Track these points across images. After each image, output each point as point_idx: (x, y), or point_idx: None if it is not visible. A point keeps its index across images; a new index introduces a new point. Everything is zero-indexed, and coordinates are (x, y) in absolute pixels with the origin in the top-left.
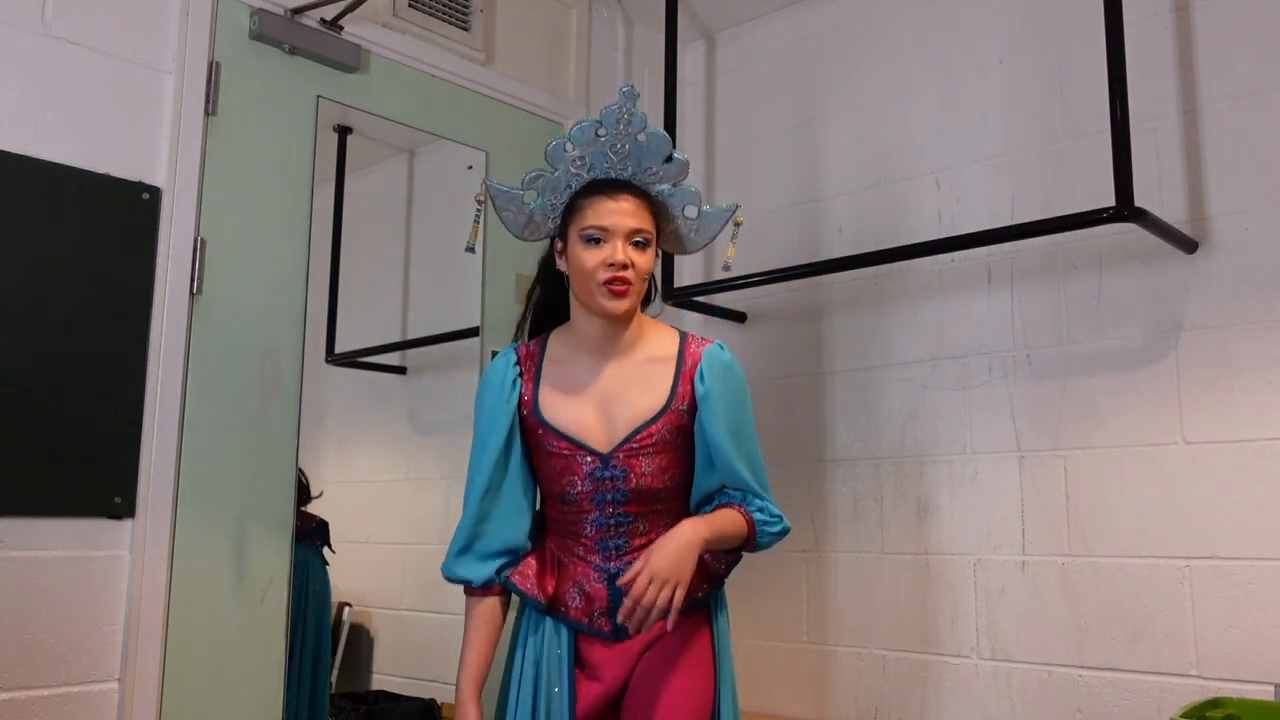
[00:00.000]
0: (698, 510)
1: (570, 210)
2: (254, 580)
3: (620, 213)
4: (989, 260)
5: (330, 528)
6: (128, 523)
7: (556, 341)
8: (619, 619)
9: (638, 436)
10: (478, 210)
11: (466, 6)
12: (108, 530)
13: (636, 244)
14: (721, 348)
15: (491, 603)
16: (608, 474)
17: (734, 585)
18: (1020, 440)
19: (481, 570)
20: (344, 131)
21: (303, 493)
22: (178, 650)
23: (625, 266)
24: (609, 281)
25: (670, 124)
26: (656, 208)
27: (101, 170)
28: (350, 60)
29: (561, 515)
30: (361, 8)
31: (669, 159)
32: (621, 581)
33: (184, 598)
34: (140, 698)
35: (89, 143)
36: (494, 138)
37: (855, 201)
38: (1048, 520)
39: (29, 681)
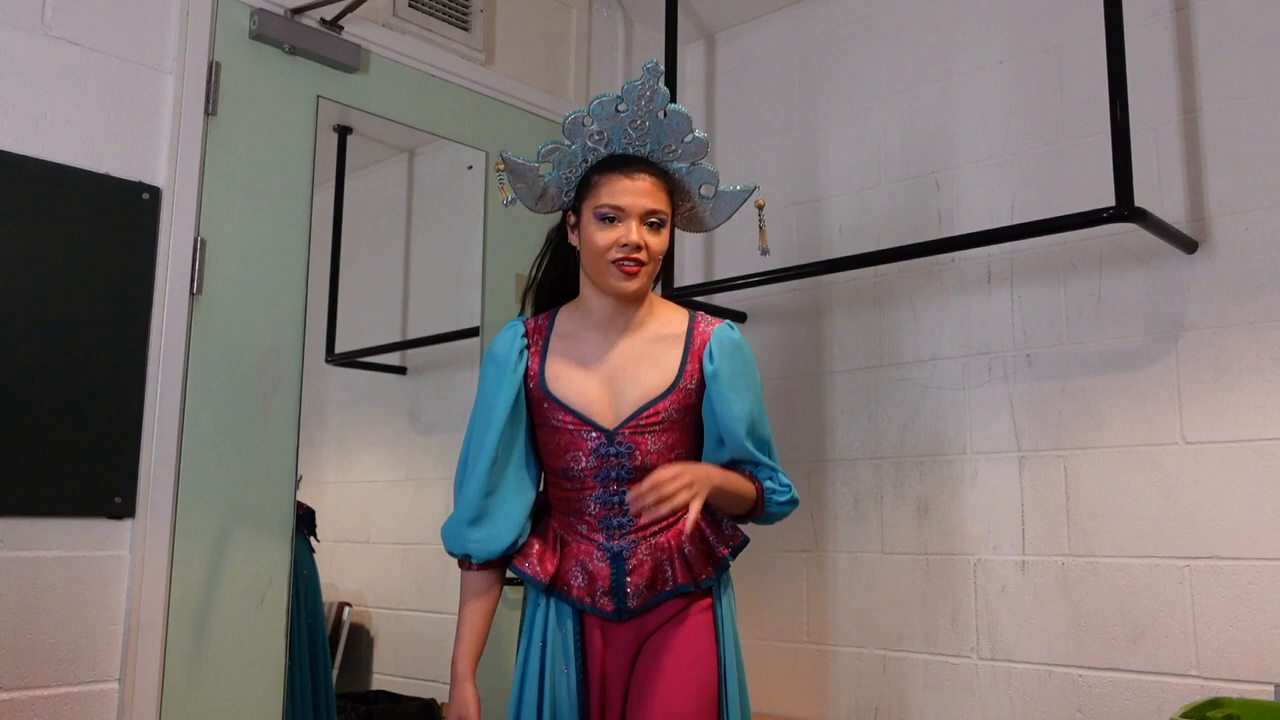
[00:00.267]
0: None
1: (585, 185)
2: (254, 580)
3: (636, 192)
4: (989, 260)
5: (316, 515)
6: (128, 523)
7: (565, 316)
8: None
9: (644, 413)
10: (501, 176)
11: (466, 6)
12: (108, 530)
13: (651, 224)
14: (731, 327)
15: (488, 577)
16: (613, 450)
17: (734, 584)
18: (1020, 440)
19: (489, 547)
20: (344, 131)
21: None
22: (178, 650)
23: (639, 248)
24: (621, 261)
25: None
26: (673, 186)
27: (101, 170)
28: (350, 60)
29: (565, 493)
30: (361, 8)
31: (689, 137)
32: (639, 488)
33: (184, 598)
34: (140, 698)
35: (89, 143)
36: (494, 138)
37: (855, 201)
38: (1048, 520)
39: (29, 681)
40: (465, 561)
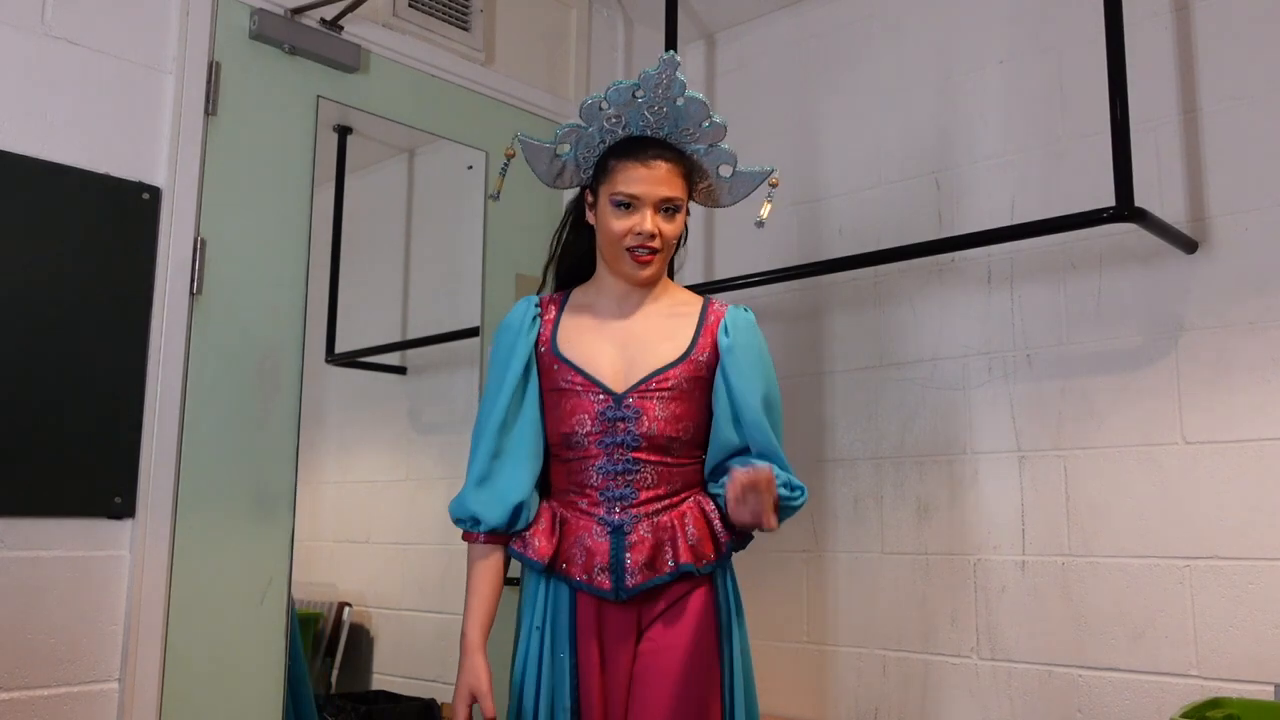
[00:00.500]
0: (715, 474)
1: (603, 168)
2: (254, 580)
3: (652, 180)
4: (989, 260)
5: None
6: (128, 523)
7: (579, 292)
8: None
9: (654, 379)
10: (505, 163)
11: (466, 6)
12: (108, 530)
13: (666, 211)
14: (746, 310)
15: (494, 550)
16: (620, 414)
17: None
18: (1020, 440)
19: (494, 510)
20: (344, 131)
21: None
22: (178, 650)
23: (653, 236)
24: (636, 250)
25: None
26: (691, 167)
27: (101, 170)
28: (350, 60)
29: (567, 466)
30: (361, 8)
31: (706, 123)
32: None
33: (184, 597)
34: (140, 698)
35: (89, 143)
36: (494, 138)
37: (855, 201)
38: (1048, 520)
39: (29, 681)
40: (471, 533)
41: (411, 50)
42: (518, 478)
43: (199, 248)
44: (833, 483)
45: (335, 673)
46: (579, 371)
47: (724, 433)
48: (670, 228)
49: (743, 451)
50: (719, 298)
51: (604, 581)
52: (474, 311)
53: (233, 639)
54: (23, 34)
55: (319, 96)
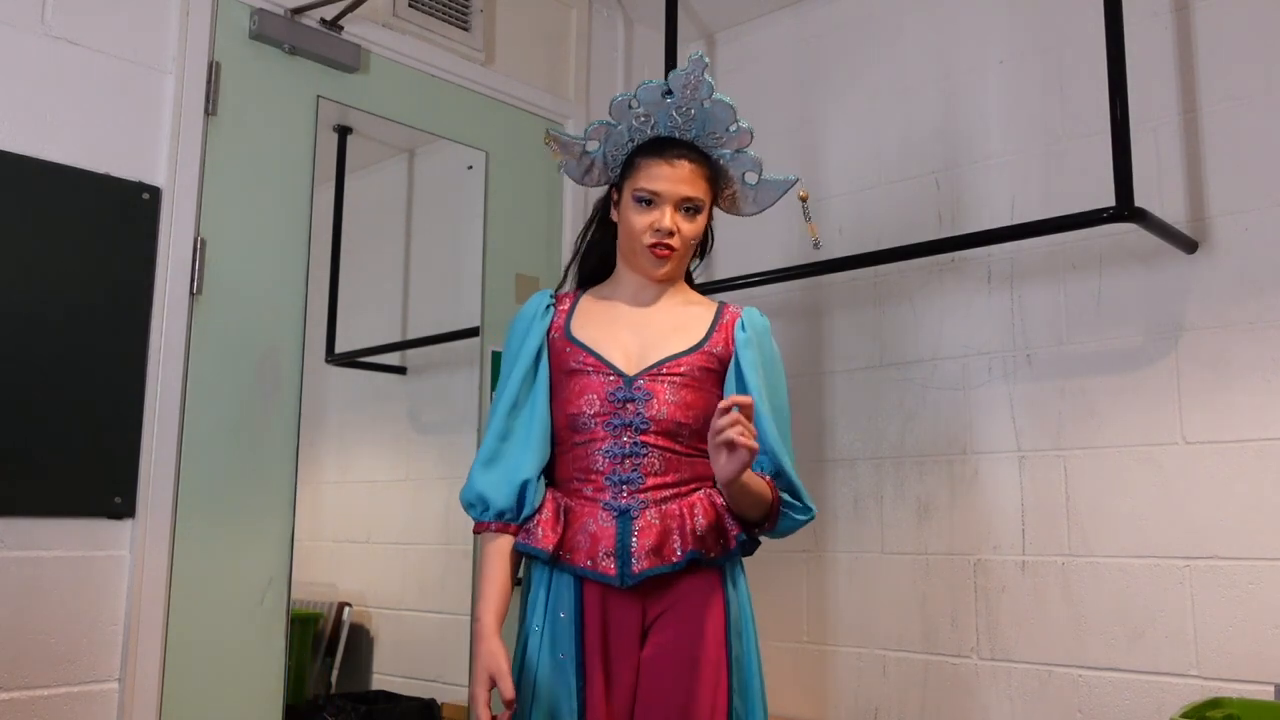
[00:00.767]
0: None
1: (629, 165)
2: (254, 580)
3: (674, 179)
4: (989, 260)
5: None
6: (128, 523)
7: (596, 288)
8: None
9: (666, 364)
10: (551, 147)
11: (466, 6)
12: (108, 530)
13: (687, 210)
14: (763, 315)
15: (506, 540)
16: (629, 395)
17: None
18: (1020, 440)
19: (500, 490)
20: (344, 131)
21: None
22: (178, 650)
23: (671, 234)
24: (654, 246)
25: None
26: (715, 172)
27: (101, 170)
28: (350, 60)
29: (573, 453)
30: (361, 8)
31: (733, 126)
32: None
33: (184, 598)
34: (140, 698)
35: (89, 143)
36: (494, 138)
37: (855, 201)
38: (1048, 520)
39: (29, 681)
40: (481, 522)
41: (411, 50)
42: (524, 458)
43: (199, 248)
44: (833, 483)
45: (335, 673)
46: (590, 352)
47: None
48: (689, 227)
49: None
50: (720, 297)
51: (609, 567)
52: (474, 311)
53: (233, 639)
54: (23, 34)
55: (319, 96)
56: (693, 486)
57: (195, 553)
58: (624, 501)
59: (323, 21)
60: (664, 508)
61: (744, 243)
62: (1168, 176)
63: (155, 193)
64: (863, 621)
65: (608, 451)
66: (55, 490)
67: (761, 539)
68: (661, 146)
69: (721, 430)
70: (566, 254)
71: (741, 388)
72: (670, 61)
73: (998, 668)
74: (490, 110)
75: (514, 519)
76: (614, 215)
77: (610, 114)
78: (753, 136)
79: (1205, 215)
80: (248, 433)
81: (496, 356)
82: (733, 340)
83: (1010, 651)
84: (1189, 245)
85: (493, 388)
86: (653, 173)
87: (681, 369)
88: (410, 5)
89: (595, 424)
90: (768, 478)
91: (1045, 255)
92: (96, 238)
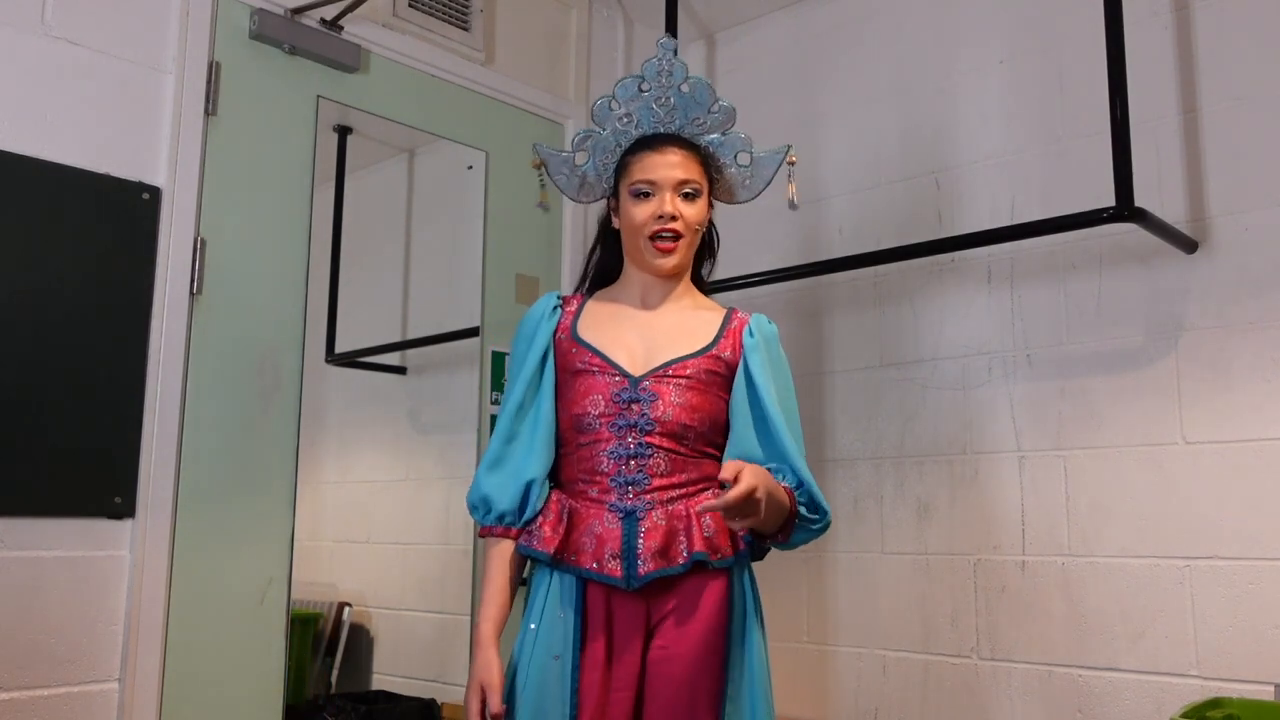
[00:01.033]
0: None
1: (620, 169)
2: (254, 580)
3: (667, 165)
4: (989, 260)
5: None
6: (128, 523)
7: (603, 291)
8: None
9: (672, 366)
10: (539, 173)
11: (466, 6)
12: (108, 530)
13: (685, 195)
14: (771, 321)
15: (508, 545)
16: (635, 396)
17: None
18: (1020, 440)
19: (505, 491)
20: (344, 131)
21: None
22: (178, 650)
23: (674, 218)
24: (657, 235)
25: None
26: (707, 158)
27: (101, 170)
28: (350, 60)
29: (577, 454)
30: (361, 8)
31: (715, 107)
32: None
33: (184, 597)
34: (140, 698)
35: (89, 143)
36: (494, 138)
37: (855, 201)
38: (1048, 520)
39: (29, 681)
40: (486, 527)
41: (411, 50)
42: (528, 461)
43: (199, 248)
44: (833, 483)
45: (335, 673)
46: (596, 353)
47: (743, 438)
48: (691, 210)
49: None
50: (718, 299)
51: (615, 569)
52: (474, 311)
53: (233, 639)
54: (23, 34)
55: (319, 96)
56: (699, 487)
57: (195, 553)
58: (630, 503)
59: (323, 21)
60: (670, 509)
61: (744, 243)
62: (1168, 176)
63: (155, 193)
64: (863, 621)
65: (613, 453)
66: (55, 490)
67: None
68: (650, 140)
69: (731, 517)
70: (566, 254)
71: (752, 392)
72: None
73: (998, 668)
74: (490, 110)
75: (515, 522)
76: (615, 224)
77: (593, 119)
78: (735, 115)
79: (1205, 215)
80: (248, 433)
81: (496, 356)
82: (740, 346)
83: (1010, 651)
84: (1189, 245)
85: (493, 388)
86: (645, 164)
87: (687, 371)
88: (410, 5)
89: (600, 425)
90: (788, 487)
91: (1045, 255)
92: (96, 238)
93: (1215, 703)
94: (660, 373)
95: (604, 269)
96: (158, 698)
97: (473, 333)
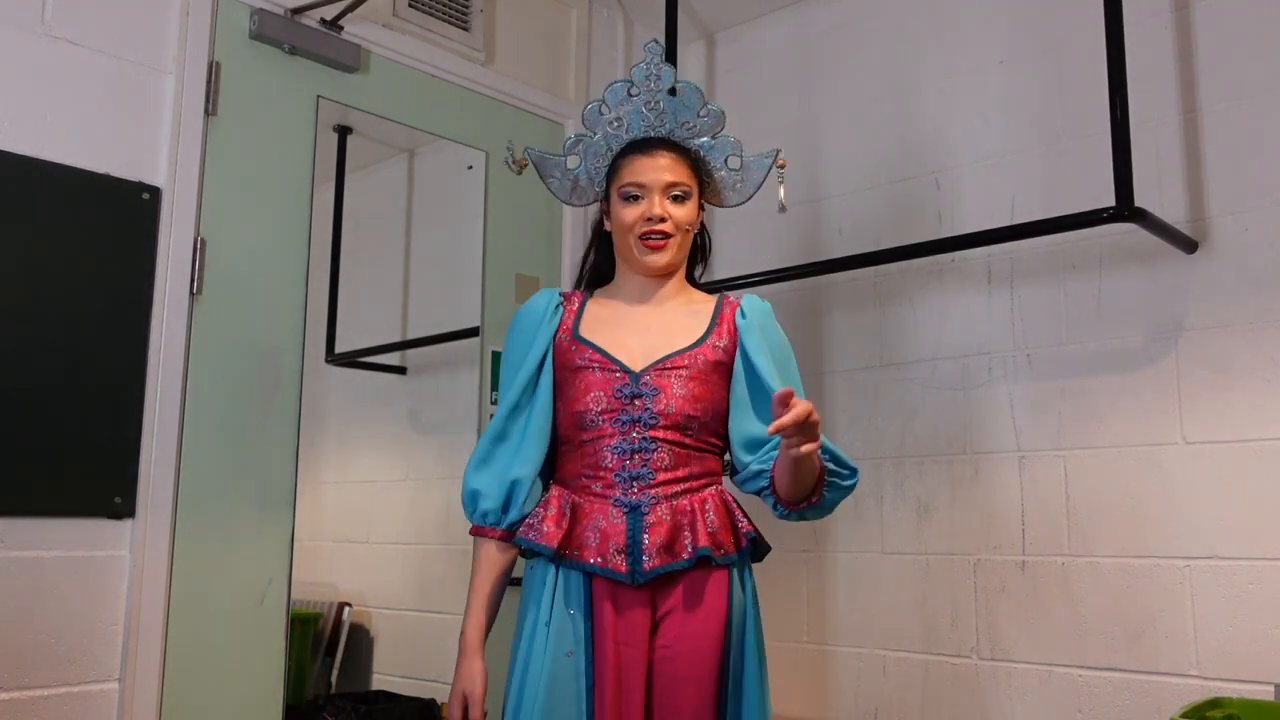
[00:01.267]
0: (746, 455)
1: (611, 172)
2: (254, 580)
3: (656, 168)
4: (989, 260)
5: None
6: (128, 523)
7: (601, 291)
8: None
9: (671, 359)
10: (509, 165)
11: (466, 6)
12: (108, 530)
13: (675, 198)
14: (762, 300)
15: (499, 546)
16: (637, 391)
17: None
18: (1020, 440)
19: (490, 486)
20: (344, 131)
21: None
22: (178, 650)
23: (662, 219)
24: (646, 236)
25: None
26: (697, 162)
27: (101, 170)
28: (350, 60)
29: (580, 450)
30: (361, 8)
31: (704, 111)
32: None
33: (184, 598)
34: (140, 698)
35: (89, 143)
36: (494, 138)
37: (855, 201)
38: (1048, 520)
39: (29, 681)
40: (477, 526)
41: (411, 50)
42: (516, 460)
43: (199, 248)
44: None
45: (335, 673)
46: (598, 350)
47: (746, 420)
48: (680, 212)
49: (766, 440)
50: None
51: (620, 564)
52: (474, 311)
53: (233, 639)
54: (23, 34)
55: (319, 96)
56: (704, 482)
57: (195, 552)
58: (634, 497)
59: (323, 21)
60: (675, 503)
61: (744, 243)
62: (1168, 176)
63: (155, 193)
64: (863, 621)
65: (616, 448)
66: (55, 490)
67: (770, 545)
68: (639, 145)
69: (792, 438)
70: (567, 254)
71: (751, 373)
72: (670, 61)
73: (998, 668)
74: (490, 110)
75: (499, 521)
76: (607, 227)
77: (584, 123)
78: (725, 118)
79: (1205, 215)
80: (248, 433)
81: (497, 356)
82: (735, 329)
83: (1010, 651)
84: (1189, 245)
85: (493, 388)
86: (634, 167)
87: (685, 363)
88: (410, 5)
89: (603, 420)
90: None
91: (1045, 255)
92: (96, 238)
93: (1215, 703)
94: (660, 366)
95: (598, 271)
96: (158, 698)
97: (473, 333)
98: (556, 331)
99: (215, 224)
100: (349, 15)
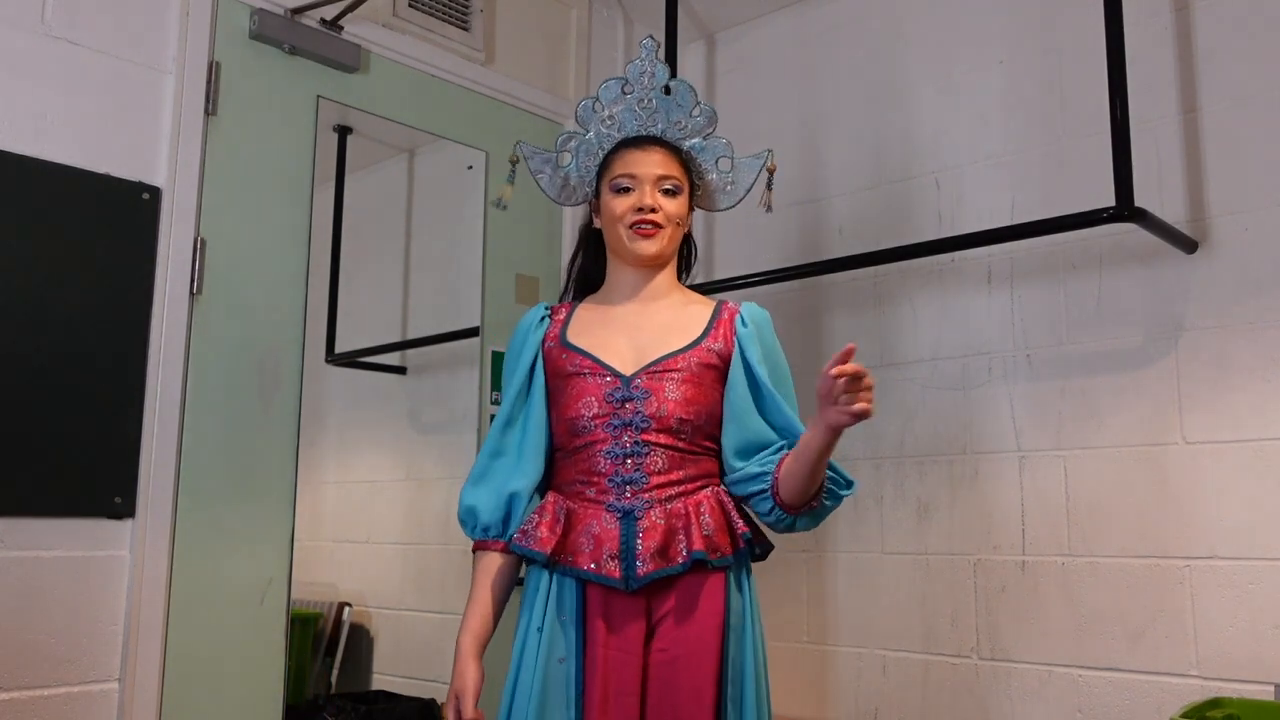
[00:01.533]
0: (739, 460)
1: (602, 168)
2: (254, 580)
3: (647, 162)
4: (989, 260)
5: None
6: (128, 523)
7: (592, 297)
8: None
9: (664, 361)
10: (512, 171)
11: (466, 6)
12: (108, 530)
13: (666, 191)
14: (762, 308)
15: (498, 558)
16: (628, 395)
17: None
18: (1020, 440)
19: (488, 501)
20: (344, 131)
21: None
22: (178, 650)
23: (653, 209)
24: (637, 225)
25: None
26: (688, 162)
27: (101, 170)
28: (350, 60)
29: (574, 457)
30: (361, 8)
31: (696, 110)
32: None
33: (184, 598)
34: (140, 698)
35: (89, 143)
36: (494, 138)
37: (855, 201)
38: (1048, 520)
39: (29, 681)
40: (478, 541)
41: (411, 50)
42: (513, 474)
43: (199, 248)
44: None
45: (335, 673)
46: (587, 355)
47: (745, 414)
48: (671, 204)
49: (765, 445)
50: (720, 297)
51: (613, 570)
52: (474, 311)
53: (233, 639)
54: (22, 34)
55: (319, 96)
56: (699, 484)
57: (195, 553)
58: (628, 502)
59: (323, 21)
60: (669, 507)
61: (744, 243)
62: (1168, 176)
63: (155, 193)
64: (863, 621)
65: (609, 453)
66: (55, 490)
67: (773, 543)
68: (632, 141)
69: (843, 389)
70: (567, 254)
71: (751, 380)
72: (670, 61)
73: (998, 668)
74: (490, 110)
75: (500, 534)
76: (597, 223)
77: (578, 120)
78: (717, 119)
79: (1205, 215)
80: (248, 433)
81: (497, 356)
82: (733, 336)
83: (1010, 651)
84: (1189, 245)
85: (493, 388)
86: (626, 160)
87: (679, 366)
88: (410, 5)
89: (595, 426)
90: None
91: (1045, 255)
92: (96, 238)
93: (1215, 703)
94: (652, 369)
95: (586, 275)
96: (158, 698)
97: (473, 333)
98: (544, 340)
99: (215, 224)
100: (349, 15)
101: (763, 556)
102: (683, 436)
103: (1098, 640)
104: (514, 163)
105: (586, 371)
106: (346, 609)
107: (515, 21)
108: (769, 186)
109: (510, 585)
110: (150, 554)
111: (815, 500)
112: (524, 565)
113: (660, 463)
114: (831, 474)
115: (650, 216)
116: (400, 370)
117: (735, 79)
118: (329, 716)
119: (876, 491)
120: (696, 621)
